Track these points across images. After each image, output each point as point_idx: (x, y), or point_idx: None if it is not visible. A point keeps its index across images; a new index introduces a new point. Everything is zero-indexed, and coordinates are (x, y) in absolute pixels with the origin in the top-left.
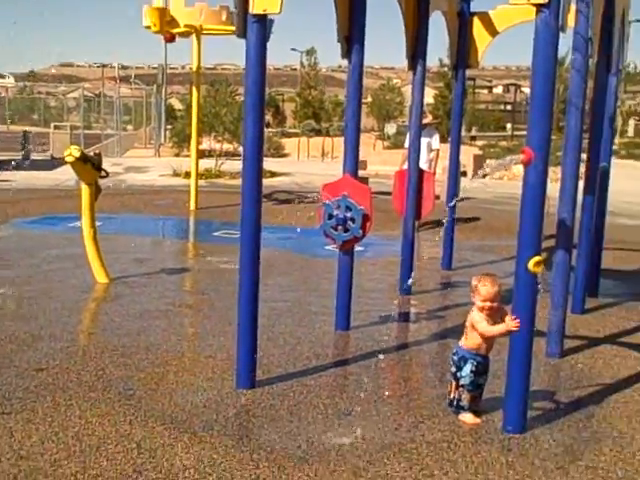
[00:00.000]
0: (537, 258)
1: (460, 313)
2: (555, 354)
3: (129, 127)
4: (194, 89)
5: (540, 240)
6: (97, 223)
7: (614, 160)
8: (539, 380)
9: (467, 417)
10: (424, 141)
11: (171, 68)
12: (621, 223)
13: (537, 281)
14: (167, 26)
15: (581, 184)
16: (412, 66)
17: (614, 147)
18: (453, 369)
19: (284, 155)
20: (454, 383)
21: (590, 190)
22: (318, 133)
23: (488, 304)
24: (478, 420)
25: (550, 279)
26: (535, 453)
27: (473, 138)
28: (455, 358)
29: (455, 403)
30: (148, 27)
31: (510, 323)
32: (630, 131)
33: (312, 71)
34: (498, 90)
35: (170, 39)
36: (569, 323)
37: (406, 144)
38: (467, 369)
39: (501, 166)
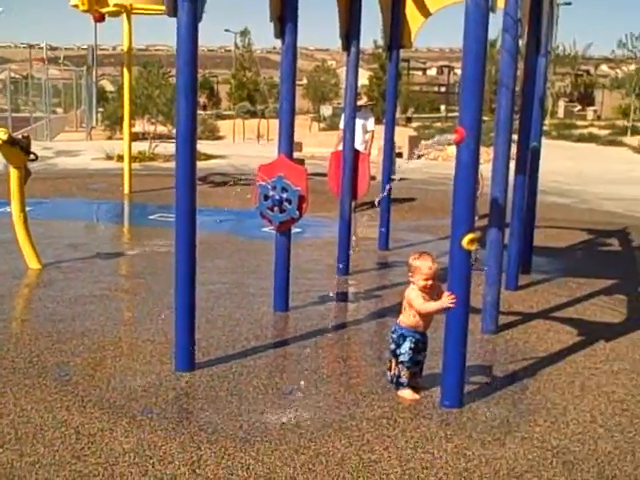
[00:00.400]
0: (471, 236)
1: (397, 292)
2: (490, 330)
3: (59, 110)
4: (125, 70)
5: (473, 218)
6: (28, 208)
7: (545, 140)
8: (475, 356)
9: (406, 393)
10: (359, 123)
11: (101, 49)
12: (552, 202)
13: (472, 259)
14: (96, 5)
15: (513, 164)
16: (346, 47)
17: (545, 128)
18: (392, 346)
19: (219, 137)
20: (393, 360)
21: (521, 170)
22: (253, 115)
23: (430, 282)
24: (417, 396)
25: (484, 257)
26: (472, 426)
27: (409, 120)
28: (394, 336)
29: (395, 380)
30: (76, 6)
31: (446, 300)
32: (560, 112)
33: (247, 52)
34: (432, 72)
35: (99, 19)
36: (503, 300)
37: (341, 125)
38: (406, 346)
39: (431, 147)
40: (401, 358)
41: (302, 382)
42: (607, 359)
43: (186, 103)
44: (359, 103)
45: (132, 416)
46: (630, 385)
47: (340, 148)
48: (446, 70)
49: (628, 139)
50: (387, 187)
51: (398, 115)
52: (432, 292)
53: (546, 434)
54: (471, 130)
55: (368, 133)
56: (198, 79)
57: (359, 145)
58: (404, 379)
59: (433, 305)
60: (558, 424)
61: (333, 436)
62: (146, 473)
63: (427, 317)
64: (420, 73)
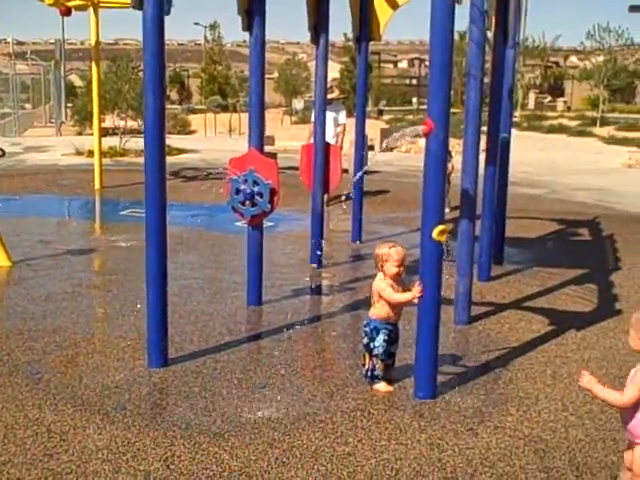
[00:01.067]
0: (441, 227)
1: (370, 285)
2: (463, 321)
3: (27, 105)
4: (94, 65)
5: (443, 209)
6: None
7: (515, 132)
8: (448, 346)
9: (381, 386)
10: (330, 116)
11: (69, 43)
12: (523, 192)
13: (444, 250)
14: None
15: (484, 156)
16: (315, 39)
17: (515, 119)
18: (365, 340)
19: (191, 132)
20: (367, 354)
21: (491, 161)
22: (225, 109)
23: (402, 268)
24: (391, 388)
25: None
26: (446, 416)
27: (380, 112)
28: (367, 329)
29: (369, 374)
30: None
31: (416, 290)
32: (531, 104)
33: (217, 46)
34: (403, 65)
35: (66, 12)
36: (476, 291)
37: (313, 119)
38: (380, 339)
39: (400, 138)
40: (375, 351)
41: (276, 376)
42: (578, 348)
43: (153, 97)
44: (330, 96)
45: (105, 413)
46: (600, 373)
47: (312, 141)
48: (417, 62)
49: (597, 130)
50: (358, 175)
51: (370, 108)
52: (400, 282)
53: (518, 423)
54: (439, 121)
55: (340, 126)
56: (166, 72)
57: (331, 138)
58: (378, 372)
59: (403, 296)
60: (530, 413)
61: (307, 429)
62: (119, 470)
63: (398, 308)
64: (391, 66)
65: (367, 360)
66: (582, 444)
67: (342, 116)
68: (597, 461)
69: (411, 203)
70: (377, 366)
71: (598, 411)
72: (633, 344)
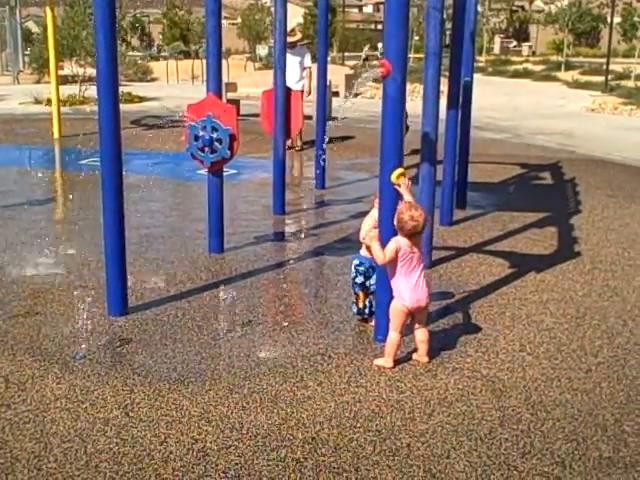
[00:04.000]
0: (399, 170)
1: (334, 230)
2: (424, 265)
3: None
4: (48, 10)
5: (402, 152)
6: None
7: (480, 77)
8: None
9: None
10: (295, 60)
11: None
12: (488, 137)
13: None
14: None
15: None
16: None
17: (480, 64)
18: (360, 279)
19: (153, 79)
20: (361, 293)
21: (453, 104)
22: (187, 56)
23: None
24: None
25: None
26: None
27: (367, 59)
28: (361, 268)
29: (368, 310)
30: None
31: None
32: (496, 48)
33: None
34: (369, 9)
35: None
36: (438, 235)
37: (307, 64)
38: (376, 277)
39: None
40: (372, 288)
41: (236, 323)
42: (537, 290)
43: (104, 40)
44: (291, 39)
45: (64, 362)
46: (558, 314)
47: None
48: (382, 7)
49: (562, 74)
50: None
51: (334, 54)
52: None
53: (476, 364)
54: (397, 61)
55: (305, 70)
56: (116, 14)
57: (294, 84)
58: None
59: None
60: (488, 354)
61: (267, 374)
62: (78, 418)
63: None
64: (356, 10)
65: (362, 298)
66: (538, 383)
67: (307, 60)
68: (552, 399)
69: (375, 149)
70: (374, 303)
71: (555, 350)
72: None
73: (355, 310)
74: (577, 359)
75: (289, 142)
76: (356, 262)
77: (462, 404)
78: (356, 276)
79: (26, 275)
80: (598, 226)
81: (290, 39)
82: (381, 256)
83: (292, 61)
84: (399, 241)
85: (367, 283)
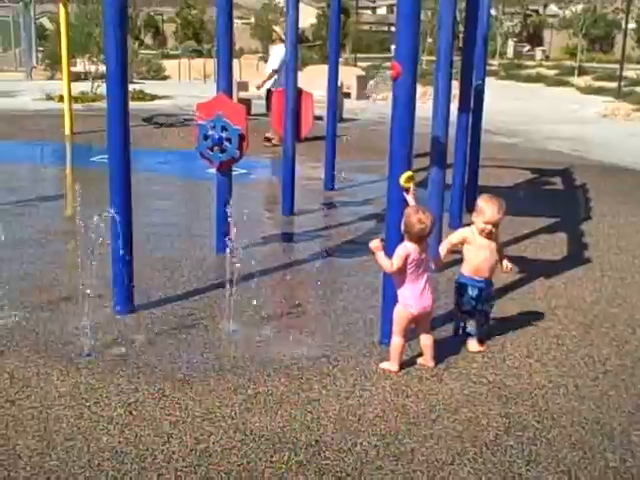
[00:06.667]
0: (408, 173)
1: (342, 232)
2: (432, 269)
3: None
4: (61, 6)
5: (410, 155)
6: None
7: (493, 81)
8: None
9: (471, 344)
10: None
11: None
12: (500, 142)
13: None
14: None
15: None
16: None
17: (494, 68)
18: (455, 296)
19: (165, 78)
20: (458, 311)
21: (464, 108)
22: (200, 55)
23: (489, 227)
24: (481, 348)
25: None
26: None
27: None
28: (456, 285)
29: (460, 330)
30: None
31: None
32: (509, 52)
33: None
34: (382, 11)
35: None
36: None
37: (274, 66)
38: (466, 294)
39: (377, 84)
40: (462, 308)
41: (242, 323)
42: (545, 296)
43: (114, 37)
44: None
45: (69, 359)
46: (566, 321)
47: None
48: (396, 9)
49: (575, 79)
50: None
51: (347, 55)
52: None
53: (483, 369)
54: (407, 64)
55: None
56: (127, 11)
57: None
58: (470, 328)
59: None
60: (495, 360)
61: (272, 375)
62: (82, 416)
63: (484, 262)
64: (370, 12)
65: (459, 316)
66: (545, 390)
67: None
68: (559, 407)
69: (386, 151)
70: (468, 323)
71: (562, 358)
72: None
73: (464, 329)
74: (585, 366)
75: (269, 134)
76: (462, 283)
77: (467, 410)
78: (464, 298)
79: (34, 271)
80: (608, 233)
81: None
82: (388, 264)
83: (279, 60)
84: (408, 247)
85: (459, 301)
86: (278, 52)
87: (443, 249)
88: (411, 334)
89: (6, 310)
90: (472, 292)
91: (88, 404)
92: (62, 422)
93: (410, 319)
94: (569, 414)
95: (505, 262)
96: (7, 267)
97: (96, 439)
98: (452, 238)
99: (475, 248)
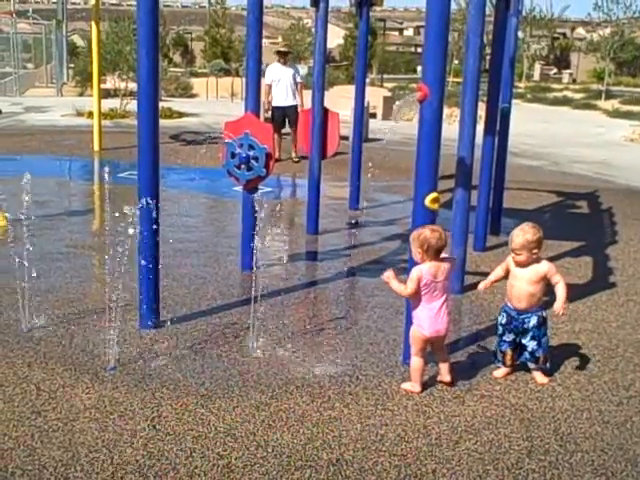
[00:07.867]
0: (433, 195)
1: (366, 252)
2: (456, 290)
3: (29, 65)
4: (93, 24)
5: (436, 176)
6: None
7: (520, 103)
8: None
9: (498, 371)
10: (288, 74)
11: (72, 3)
12: (524, 164)
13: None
14: None
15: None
16: (315, 2)
17: (520, 91)
18: (509, 337)
19: (193, 95)
20: (509, 350)
21: (490, 130)
22: (227, 73)
23: (516, 255)
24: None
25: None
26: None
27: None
28: (512, 324)
29: (494, 355)
30: None
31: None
32: (536, 75)
33: (220, 9)
34: (409, 32)
35: None
36: (471, 260)
37: (267, 80)
38: (498, 319)
39: (405, 105)
40: (496, 330)
41: (266, 340)
42: (569, 320)
43: (147, 56)
44: (279, 49)
45: (94, 372)
46: (590, 345)
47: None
48: (423, 30)
49: (602, 103)
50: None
51: (373, 75)
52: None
53: (505, 392)
54: (434, 86)
55: (298, 85)
56: (159, 31)
57: (292, 100)
58: (499, 356)
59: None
60: (518, 382)
61: (295, 393)
62: (106, 428)
63: (515, 291)
64: (397, 33)
65: (510, 356)
66: (567, 414)
67: (299, 75)
68: (581, 431)
69: (411, 171)
70: (498, 349)
71: (585, 382)
72: (416, 258)
73: (500, 364)
74: (608, 391)
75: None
76: (502, 319)
77: (489, 432)
78: (504, 332)
79: (61, 284)
80: (634, 257)
81: (281, 48)
82: (402, 289)
83: (284, 76)
84: (421, 270)
85: (518, 339)
86: (269, 69)
87: (488, 281)
88: (430, 356)
89: (33, 323)
90: (501, 318)
91: (112, 417)
92: (87, 434)
93: (424, 340)
94: (592, 439)
95: (558, 304)
96: (35, 280)
97: (120, 452)
98: (498, 270)
99: (510, 277)
